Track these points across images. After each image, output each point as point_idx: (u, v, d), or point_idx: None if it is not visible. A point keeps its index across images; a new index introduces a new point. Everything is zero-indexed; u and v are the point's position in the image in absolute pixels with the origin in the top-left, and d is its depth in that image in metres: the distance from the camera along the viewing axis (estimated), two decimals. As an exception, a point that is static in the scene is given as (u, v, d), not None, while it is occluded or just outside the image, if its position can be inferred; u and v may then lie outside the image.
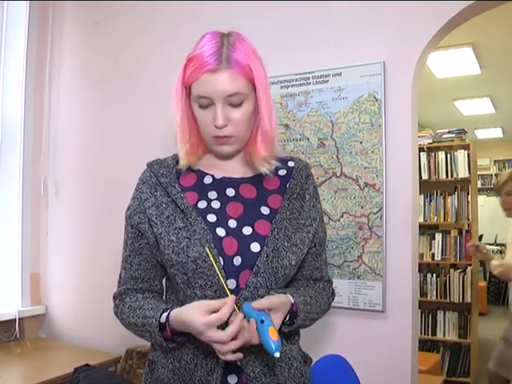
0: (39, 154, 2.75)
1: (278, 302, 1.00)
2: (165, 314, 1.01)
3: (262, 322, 0.93)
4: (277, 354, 0.91)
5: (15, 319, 2.52)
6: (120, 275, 1.16)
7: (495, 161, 9.05)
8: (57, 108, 2.78)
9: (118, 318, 1.15)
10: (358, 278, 1.91)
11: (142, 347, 2.22)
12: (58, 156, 2.76)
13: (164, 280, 1.19)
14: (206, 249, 1.01)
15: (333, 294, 1.24)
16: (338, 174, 1.97)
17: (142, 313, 1.06)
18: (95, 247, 2.58)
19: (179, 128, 1.10)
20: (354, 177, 1.94)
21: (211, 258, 0.99)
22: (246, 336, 0.95)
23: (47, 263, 2.75)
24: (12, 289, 2.61)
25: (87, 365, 2.13)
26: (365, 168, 1.92)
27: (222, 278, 0.99)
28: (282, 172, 1.18)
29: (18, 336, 2.52)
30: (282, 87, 2.08)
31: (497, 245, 7.83)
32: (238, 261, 1.04)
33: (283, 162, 1.19)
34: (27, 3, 2.66)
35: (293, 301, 1.05)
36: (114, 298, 1.16)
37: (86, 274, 2.61)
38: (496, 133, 8.12)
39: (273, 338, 0.91)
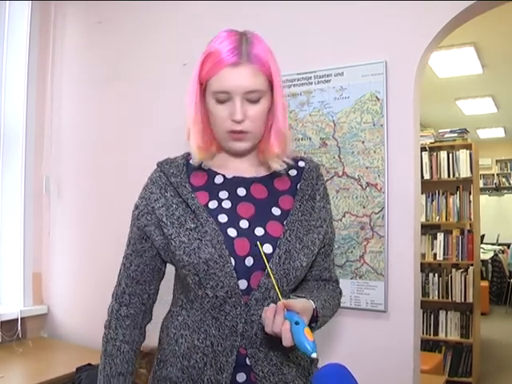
0: (41, 153, 2.75)
1: (303, 307, 0.99)
2: None
3: (297, 323, 0.92)
4: (314, 355, 0.90)
5: (17, 319, 2.52)
6: (120, 270, 1.18)
7: (497, 160, 9.04)
8: (59, 108, 2.78)
9: (104, 328, 1.17)
10: (360, 277, 1.91)
11: (143, 347, 2.22)
12: (60, 155, 2.76)
13: (164, 280, 1.19)
14: (259, 244, 1.02)
15: (340, 293, 1.24)
16: (340, 173, 1.97)
17: (106, 362, 1.14)
18: (97, 247, 2.58)
19: (193, 123, 1.09)
20: (356, 176, 1.93)
21: (263, 255, 1.00)
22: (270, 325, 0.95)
23: (49, 263, 2.76)
24: (14, 288, 2.62)
25: (89, 364, 2.14)
26: (367, 168, 1.91)
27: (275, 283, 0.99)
28: (293, 172, 1.17)
29: (20, 336, 2.52)
30: (283, 87, 2.07)
31: (499, 244, 7.82)
32: (249, 261, 1.04)
33: (294, 161, 1.18)
34: (29, 3, 2.67)
35: (314, 306, 1.04)
36: (113, 297, 1.18)
37: (88, 273, 2.61)
38: (498, 132, 8.11)
39: (309, 338, 0.91)
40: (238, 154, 1.14)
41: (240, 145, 1.09)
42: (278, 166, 1.12)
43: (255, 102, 1.05)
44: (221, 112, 1.05)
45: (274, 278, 1.02)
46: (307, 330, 0.92)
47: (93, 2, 2.68)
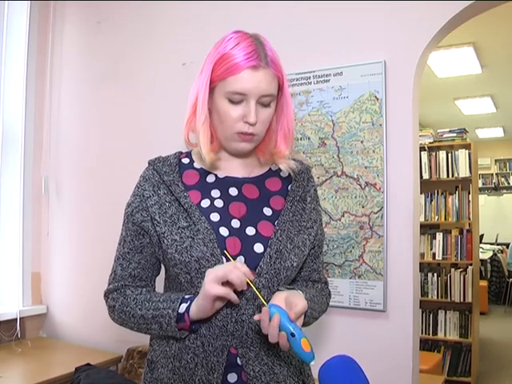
0: (40, 153, 2.75)
1: (303, 308, 0.99)
2: (184, 305, 1.01)
3: (293, 335, 0.93)
4: (312, 363, 0.94)
5: (16, 319, 2.52)
6: (115, 272, 1.15)
7: (496, 160, 9.06)
8: (58, 108, 2.78)
9: (114, 311, 1.12)
10: (359, 277, 1.91)
11: (143, 347, 2.22)
12: (58, 156, 2.76)
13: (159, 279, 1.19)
14: (225, 252, 1.02)
15: (329, 294, 1.25)
16: (339, 173, 1.97)
17: (153, 305, 1.05)
18: (96, 246, 2.58)
19: (204, 125, 1.08)
20: (355, 176, 1.94)
21: (231, 259, 1.00)
22: (267, 329, 0.94)
23: (48, 263, 2.75)
24: (13, 288, 2.61)
25: (88, 364, 2.14)
26: (366, 167, 1.91)
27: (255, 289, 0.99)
28: (284, 174, 1.19)
29: (19, 335, 2.52)
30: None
31: (498, 244, 7.83)
32: (240, 261, 1.04)
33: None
34: (28, 3, 2.66)
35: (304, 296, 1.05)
36: (109, 292, 1.14)
37: (86, 273, 2.61)
38: (497, 132, 8.13)
39: (306, 350, 0.93)
40: (238, 155, 1.14)
41: (245, 146, 1.09)
42: (286, 166, 1.15)
43: (266, 105, 1.07)
44: (233, 112, 1.05)
45: (265, 277, 1.04)
46: (304, 341, 0.93)
47: (92, 2, 2.68)
